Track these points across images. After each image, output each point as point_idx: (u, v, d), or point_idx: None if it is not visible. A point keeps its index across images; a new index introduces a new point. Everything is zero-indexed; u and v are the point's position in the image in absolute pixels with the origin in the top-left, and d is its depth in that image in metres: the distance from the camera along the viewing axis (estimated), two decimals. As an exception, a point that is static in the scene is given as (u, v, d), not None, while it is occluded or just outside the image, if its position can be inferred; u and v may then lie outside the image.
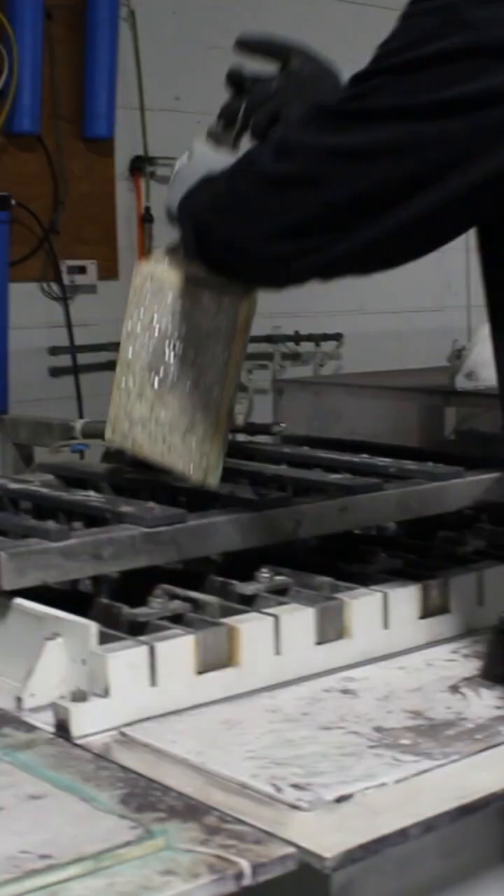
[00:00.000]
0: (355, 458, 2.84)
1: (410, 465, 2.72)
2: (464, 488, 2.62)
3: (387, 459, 2.79)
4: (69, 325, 6.50)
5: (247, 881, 1.41)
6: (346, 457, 2.86)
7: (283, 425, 3.03)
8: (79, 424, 3.10)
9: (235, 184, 1.97)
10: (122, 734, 1.84)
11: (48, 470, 2.92)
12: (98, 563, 2.12)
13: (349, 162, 1.76)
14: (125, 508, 2.29)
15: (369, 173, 1.74)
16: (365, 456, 2.85)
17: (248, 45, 2.33)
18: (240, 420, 6.99)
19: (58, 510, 2.47)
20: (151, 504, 2.34)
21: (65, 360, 6.52)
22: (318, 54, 2.22)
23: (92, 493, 2.57)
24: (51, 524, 2.18)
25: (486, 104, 1.64)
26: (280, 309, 7.32)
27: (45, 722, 1.87)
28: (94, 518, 2.37)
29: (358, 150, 1.75)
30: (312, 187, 1.80)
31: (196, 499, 2.50)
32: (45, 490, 2.60)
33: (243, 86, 2.30)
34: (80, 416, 6.19)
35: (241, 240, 1.95)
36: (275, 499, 2.42)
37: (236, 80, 2.31)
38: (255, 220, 1.90)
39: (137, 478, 2.71)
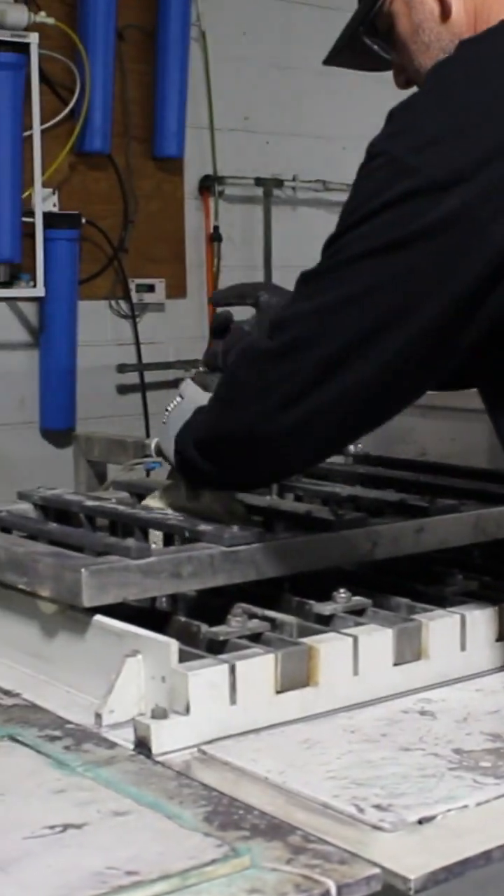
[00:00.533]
0: (431, 479, 2.84)
1: (488, 486, 2.72)
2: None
3: (463, 481, 2.79)
4: (137, 343, 6.54)
5: (332, 901, 1.41)
6: (423, 478, 2.86)
7: (360, 445, 3.02)
8: (153, 442, 3.10)
9: (235, 374, 2.10)
10: (202, 752, 1.85)
11: (122, 487, 2.94)
12: (177, 581, 2.14)
13: (334, 314, 1.90)
14: (203, 527, 2.29)
15: (351, 319, 1.88)
16: (441, 477, 2.85)
17: (220, 302, 2.53)
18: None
19: (135, 527, 2.48)
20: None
21: (132, 378, 6.55)
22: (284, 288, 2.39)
23: (169, 511, 2.57)
24: (131, 542, 2.20)
25: (440, 232, 1.79)
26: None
27: (124, 739, 1.88)
28: (170, 536, 2.39)
29: (338, 300, 1.89)
30: (306, 348, 1.92)
31: (272, 519, 2.51)
32: (122, 507, 2.60)
33: (227, 331, 2.42)
34: (147, 434, 6.24)
35: (251, 424, 2.02)
36: (351, 519, 2.41)
37: (222, 327, 2.43)
38: (261, 397, 1.99)
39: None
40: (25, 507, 2.73)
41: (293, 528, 2.41)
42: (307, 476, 2.95)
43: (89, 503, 2.65)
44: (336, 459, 3.17)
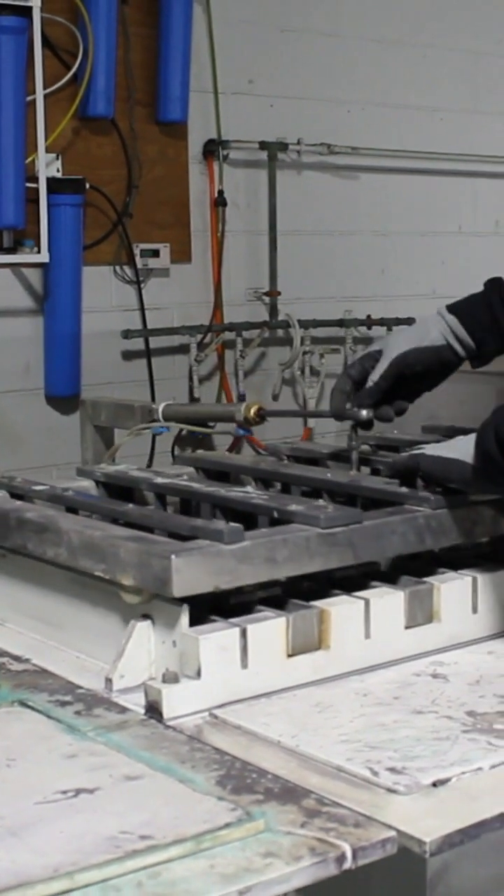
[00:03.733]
0: None
1: None
2: None
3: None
4: (142, 309, 6.50)
5: (348, 864, 1.40)
6: None
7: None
8: (160, 406, 3.08)
9: None
10: (214, 716, 1.84)
11: (188, 462, 2.77)
12: (272, 567, 1.97)
13: None
14: (294, 507, 2.12)
15: None
16: None
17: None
18: (311, 405, 6.98)
19: (210, 507, 2.36)
20: (322, 502, 2.22)
21: (138, 344, 6.52)
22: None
23: (250, 488, 2.45)
24: (221, 524, 2.02)
25: None
26: (352, 293, 7.31)
27: (135, 703, 1.88)
28: (247, 516, 2.21)
29: None
30: None
31: (357, 496, 2.37)
32: (197, 485, 2.43)
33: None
34: (153, 399, 6.22)
35: None
36: (453, 499, 2.22)
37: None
38: None
39: (287, 472, 2.58)
40: (87, 485, 2.59)
41: (388, 508, 2.23)
42: (379, 447, 2.81)
43: (160, 480, 2.47)
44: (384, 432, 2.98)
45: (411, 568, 2.21)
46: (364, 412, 2.49)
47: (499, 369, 4.73)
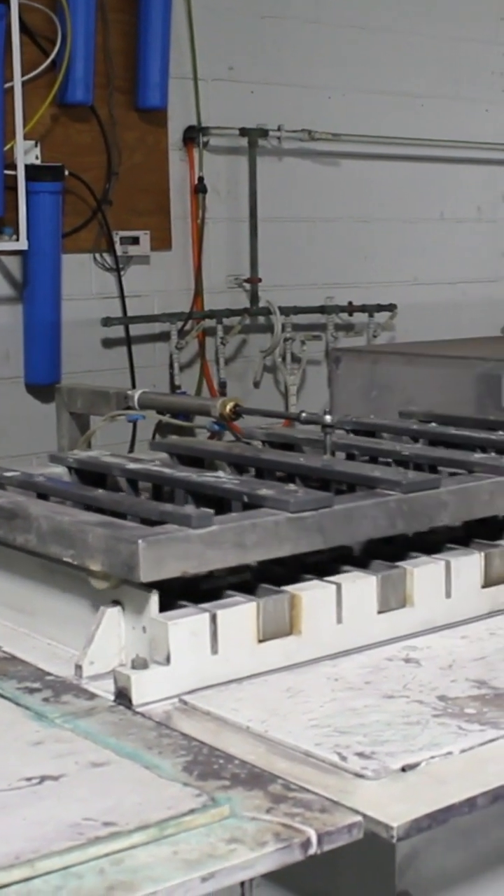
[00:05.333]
0: (493, 436, 2.72)
1: None
2: None
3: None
4: (122, 296, 6.49)
5: (313, 850, 1.39)
6: (483, 434, 2.74)
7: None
8: (136, 394, 3.07)
9: None
10: (183, 702, 1.82)
11: (162, 448, 2.75)
12: (241, 551, 1.96)
13: None
14: (265, 491, 2.11)
15: None
16: (501, 433, 2.74)
17: None
18: (293, 392, 6.97)
19: (181, 492, 2.34)
20: (292, 487, 2.22)
21: (117, 331, 6.51)
22: None
23: (221, 473, 2.44)
24: (189, 509, 2.02)
25: None
26: (333, 280, 7.30)
27: (104, 690, 1.86)
28: (219, 501, 2.21)
29: None
30: None
31: (329, 481, 2.37)
32: (169, 470, 2.42)
33: None
34: (133, 387, 6.19)
35: None
36: (423, 481, 2.22)
37: None
38: None
39: (262, 457, 2.58)
40: (59, 471, 2.56)
41: (359, 492, 2.24)
42: (355, 432, 2.82)
43: (132, 466, 2.45)
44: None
45: (384, 552, 2.20)
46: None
47: (477, 354, 4.73)
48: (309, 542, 2.04)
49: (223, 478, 2.32)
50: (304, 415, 2.61)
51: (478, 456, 2.50)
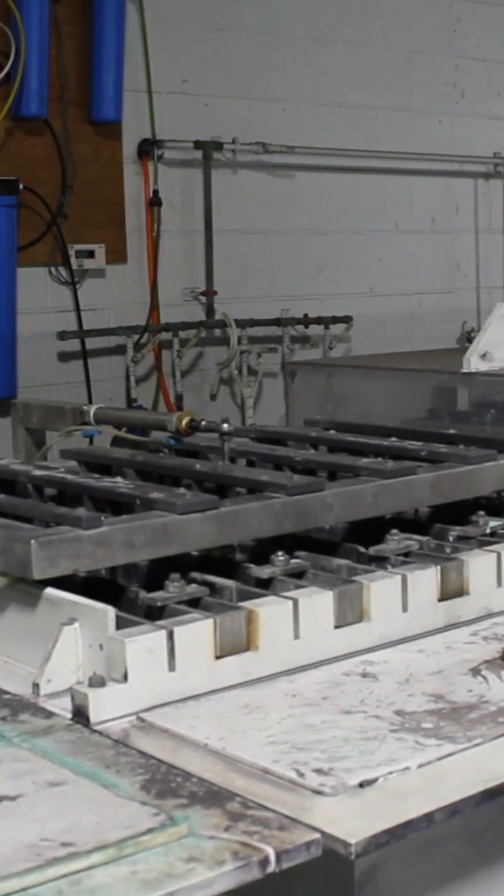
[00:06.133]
0: (385, 442, 2.82)
1: (442, 448, 2.70)
2: (498, 471, 2.59)
3: (417, 443, 2.77)
4: (78, 310, 6.48)
5: (272, 868, 1.39)
6: (376, 440, 2.84)
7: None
8: (91, 409, 3.06)
9: None
10: (141, 720, 1.82)
11: (71, 456, 2.89)
12: (130, 550, 2.09)
13: None
14: (155, 495, 2.26)
15: None
16: (394, 440, 2.83)
17: None
18: (250, 403, 6.97)
19: (85, 497, 2.44)
20: (182, 490, 2.32)
21: (74, 345, 6.50)
22: None
23: (119, 479, 2.54)
24: (81, 511, 2.15)
25: None
26: (289, 292, 7.30)
27: (62, 708, 1.86)
28: (122, 505, 2.34)
29: None
30: None
31: (225, 485, 2.48)
32: (71, 476, 2.56)
33: None
34: (90, 401, 6.18)
35: None
36: (307, 484, 2.36)
37: None
38: None
39: (163, 463, 2.68)
40: None
41: (247, 494, 2.37)
42: (259, 440, 2.93)
43: (37, 472, 2.60)
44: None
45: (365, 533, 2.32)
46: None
47: (432, 367, 4.74)
48: (196, 541, 2.19)
49: (119, 483, 2.46)
50: (203, 423, 2.72)
51: (365, 461, 2.62)
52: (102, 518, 2.13)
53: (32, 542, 1.98)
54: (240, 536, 2.27)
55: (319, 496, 2.33)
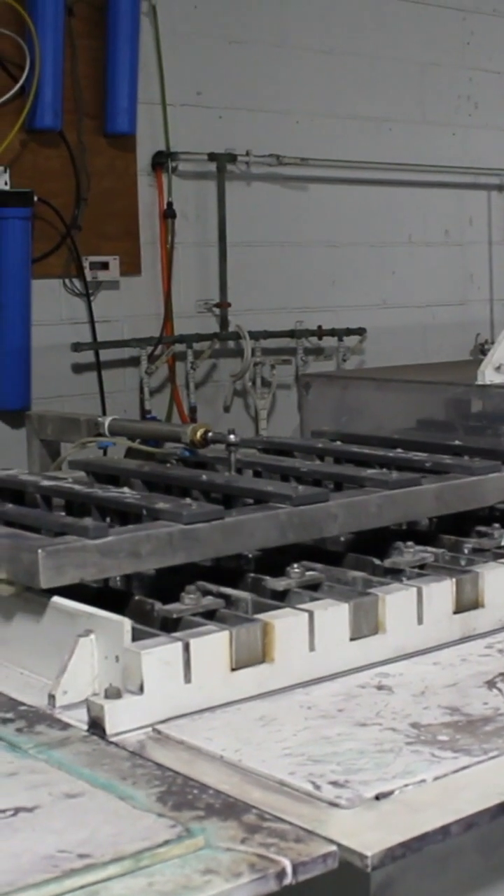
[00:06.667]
0: (391, 454, 2.82)
1: (447, 459, 2.71)
2: (502, 482, 2.60)
3: (422, 454, 2.77)
4: (92, 321, 6.49)
5: (288, 880, 1.39)
6: (381, 451, 2.85)
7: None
8: (106, 421, 3.07)
9: None
10: (157, 731, 1.82)
11: (79, 466, 2.91)
12: (136, 560, 2.11)
13: None
14: (161, 505, 2.27)
15: None
16: (399, 451, 2.84)
17: None
18: (264, 415, 6.98)
19: (92, 507, 2.45)
20: (188, 500, 2.33)
21: (87, 357, 6.51)
22: None
23: (126, 489, 2.55)
24: (88, 521, 2.17)
25: None
26: (302, 304, 7.31)
27: (78, 720, 1.86)
28: (129, 515, 2.36)
29: None
30: None
31: (231, 495, 2.49)
32: (78, 487, 2.58)
33: None
34: (104, 412, 6.19)
35: None
36: (312, 495, 2.38)
37: None
38: None
39: (170, 474, 2.69)
40: None
41: (253, 505, 2.39)
42: (266, 451, 2.94)
43: (45, 483, 2.61)
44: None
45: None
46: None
47: (446, 379, 4.74)
48: (201, 551, 2.20)
49: (126, 493, 2.48)
50: (210, 434, 2.75)
51: (370, 472, 2.63)
52: (109, 528, 2.15)
53: (39, 551, 2.00)
54: (245, 546, 2.28)
55: (324, 507, 2.35)
